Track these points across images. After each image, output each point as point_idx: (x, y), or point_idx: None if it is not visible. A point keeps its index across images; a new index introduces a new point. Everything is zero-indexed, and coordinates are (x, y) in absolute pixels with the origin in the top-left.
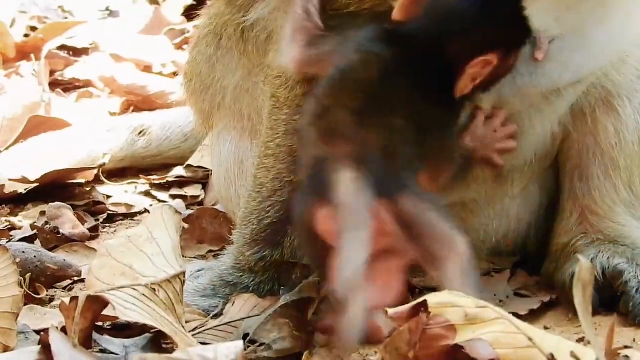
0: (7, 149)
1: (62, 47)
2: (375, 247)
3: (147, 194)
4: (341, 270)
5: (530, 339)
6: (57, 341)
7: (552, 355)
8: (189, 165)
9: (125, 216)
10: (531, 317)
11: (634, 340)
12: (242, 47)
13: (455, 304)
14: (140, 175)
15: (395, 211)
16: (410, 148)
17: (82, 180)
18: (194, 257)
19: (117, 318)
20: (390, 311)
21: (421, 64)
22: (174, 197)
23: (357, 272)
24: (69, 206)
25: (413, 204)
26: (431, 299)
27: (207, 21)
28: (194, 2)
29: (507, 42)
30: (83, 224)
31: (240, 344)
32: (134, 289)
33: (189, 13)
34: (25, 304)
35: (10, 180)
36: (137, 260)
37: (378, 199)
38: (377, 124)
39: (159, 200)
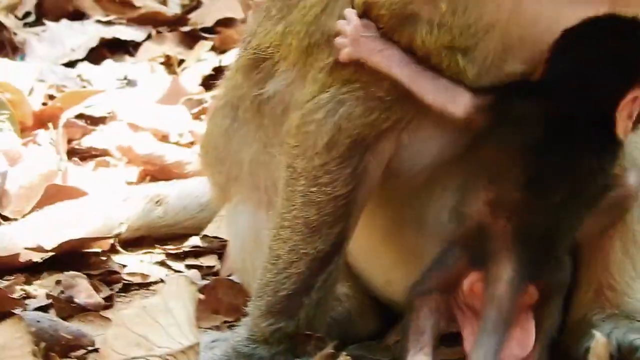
0: (23, 217)
1: (80, 116)
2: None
3: (162, 263)
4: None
5: None
6: None
7: None
8: (205, 236)
9: (141, 286)
10: None
11: None
12: (258, 120)
13: None
14: (156, 245)
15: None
16: (571, 220)
17: (99, 249)
18: (209, 328)
19: None
20: None
21: (574, 119)
22: (189, 267)
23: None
24: (85, 275)
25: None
26: None
27: (224, 93)
28: (212, 72)
29: None
30: (98, 293)
31: None
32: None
33: (207, 83)
34: None
35: (25, 248)
36: (152, 330)
37: (530, 281)
38: (545, 197)
39: (175, 271)
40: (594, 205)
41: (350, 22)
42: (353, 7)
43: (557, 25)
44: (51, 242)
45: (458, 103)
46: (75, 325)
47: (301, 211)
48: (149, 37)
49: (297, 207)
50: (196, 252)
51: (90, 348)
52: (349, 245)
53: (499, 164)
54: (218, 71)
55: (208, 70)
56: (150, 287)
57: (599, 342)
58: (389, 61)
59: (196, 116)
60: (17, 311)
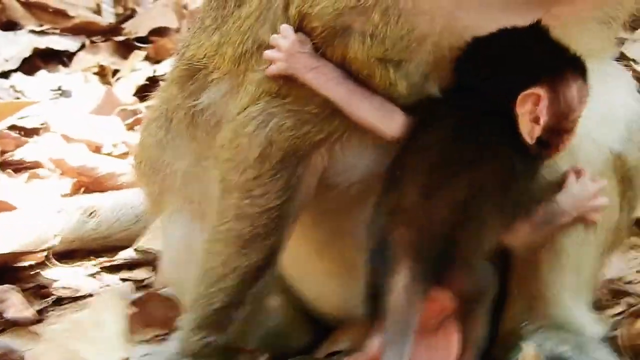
0: None
1: (13, 127)
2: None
3: (95, 276)
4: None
5: None
6: None
7: None
8: (139, 248)
9: (73, 299)
10: None
11: None
12: (192, 131)
13: None
14: (90, 257)
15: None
16: (484, 215)
17: (32, 262)
18: (141, 341)
19: None
20: None
21: (481, 121)
22: (123, 279)
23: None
24: (17, 288)
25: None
26: None
27: (158, 103)
28: (147, 82)
29: (545, 78)
30: (29, 308)
31: None
32: None
33: (141, 94)
34: None
35: None
36: (83, 345)
37: (436, 283)
38: (443, 198)
39: (107, 285)
40: (522, 214)
41: (286, 37)
42: (288, 18)
43: None
44: None
45: (392, 123)
46: (4, 340)
47: (234, 224)
48: (82, 47)
49: (230, 220)
50: (130, 264)
51: None
52: (281, 257)
53: (403, 171)
54: (152, 81)
55: (142, 80)
56: (82, 301)
57: (528, 354)
58: (323, 79)
59: (130, 127)
60: None
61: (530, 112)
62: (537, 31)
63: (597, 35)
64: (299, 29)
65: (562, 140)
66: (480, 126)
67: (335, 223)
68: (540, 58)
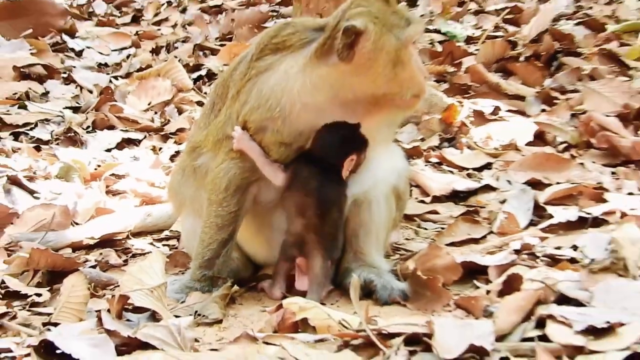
0: (85, 222)
1: (113, 174)
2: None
3: (151, 244)
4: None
5: (328, 315)
6: (105, 316)
7: (339, 322)
8: (171, 230)
9: (141, 254)
10: (331, 303)
11: (379, 312)
12: (194, 176)
13: (296, 302)
14: (148, 235)
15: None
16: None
17: (122, 238)
18: (173, 274)
19: (132, 304)
20: (268, 309)
21: (323, 167)
22: (164, 245)
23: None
24: (114, 250)
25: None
26: (286, 302)
27: (178, 163)
28: (174, 153)
29: (358, 149)
30: (120, 259)
31: (191, 317)
32: (142, 291)
33: (172, 159)
34: (91, 297)
35: (86, 237)
36: (144, 276)
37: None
38: (328, 216)
39: (157, 247)
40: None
41: (237, 131)
42: (238, 122)
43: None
44: (97, 234)
45: (278, 178)
46: (108, 274)
47: (214, 219)
48: (145, 137)
49: (211, 217)
50: (167, 238)
51: (115, 285)
52: (238, 234)
53: (301, 203)
54: (177, 153)
55: (172, 152)
56: (145, 256)
57: (355, 279)
58: (252, 152)
59: (167, 174)
60: (80, 268)
61: (348, 166)
62: (356, 126)
63: (386, 131)
64: (243, 127)
65: (353, 174)
66: (326, 173)
67: (261, 219)
68: (357, 141)
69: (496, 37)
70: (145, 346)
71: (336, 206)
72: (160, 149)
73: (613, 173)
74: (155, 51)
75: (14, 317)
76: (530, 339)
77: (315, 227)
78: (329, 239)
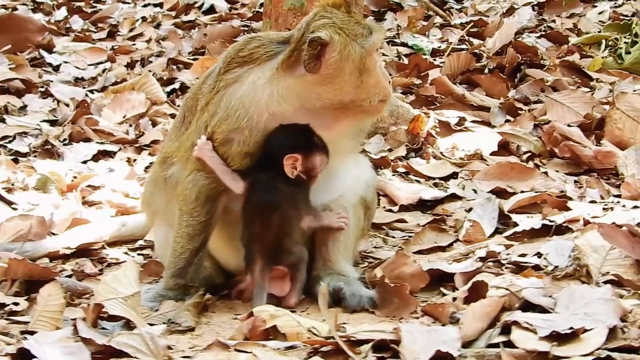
0: (61, 233)
1: (88, 186)
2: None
3: (126, 253)
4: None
5: (298, 322)
6: (81, 324)
7: (309, 329)
8: (146, 240)
9: (116, 264)
10: (302, 310)
11: (348, 319)
12: (165, 186)
13: (266, 310)
14: (122, 244)
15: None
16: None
17: (97, 247)
18: (147, 283)
19: (107, 313)
20: (240, 316)
21: (275, 173)
22: (139, 254)
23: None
24: (89, 260)
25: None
26: (257, 310)
27: (151, 174)
28: (148, 164)
29: (302, 148)
30: (94, 268)
31: (164, 325)
32: (117, 299)
33: (145, 170)
34: (67, 306)
35: (62, 247)
36: (119, 285)
37: (272, 266)
38: (271, 219)
39: (132, 257)
40: (303, 215)
41: (202, 141)
42: (206, 134)
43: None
44: (74, 244)
45: (238, 186)
46: (84, 284)
47: (185, 228)
48: (120, 149)
49: (182, 227)
50: (141, 247)
51: (90, 294)
52: (210, 242)
53: (250, 210)
54: (150, 164)
55: (146, 164)
56: (120, 265)
57: (323, 287)
58: (211, 161)
59: (142, 185)
60: (56, 277)
61: (290, 164)
62: (306, 128)
63: (353, 140)
64: (210, 138)
65: (312, 179)
66: (274, 180)
67: (233, 228)
68: (301, 140)
69: (461, 50)
70: (120, 354)
71: (279, 211)
72: (135, 160)
73: (576, 182)
74: (130, 65)
75: None
76: (496, 345)
77: (256, 234)
78: (269, 246)
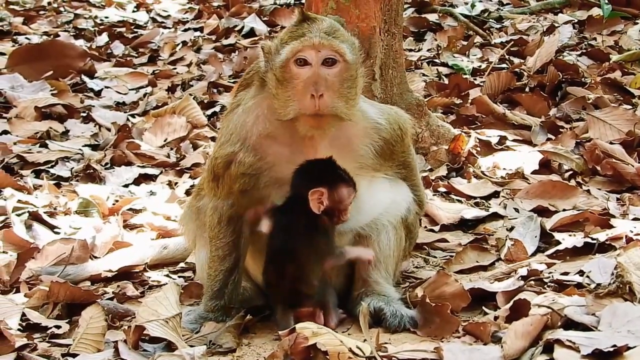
0: (103, 256)
1: (130, 209)
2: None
3: (167, 276)
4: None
5: (341, 341)
6: (122, 346)
7: (350, 349)
8: (187, 262)
9: (157, 286)
10: (343, 330)
11: (389, 339)
12: (198, 216)
13: (309, 327)
14: (164, 267)
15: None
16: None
17: (139, 270)
18: (188, 305)
19: (148, 335)
20: (282, 332)
21: (301, 209)
22: (180, 277)
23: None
24: (131, 282)
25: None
26: (299, 326)
27: (188, 202)
28: (189, 188)
29: (324, 183)
30: (137, 290)
31: (205, 347)
32: (157, 321)
33: (187, 194)
34: (108, 328)
35: (104, 270)
36: (160, 307)
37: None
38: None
39: (173, 279)
40: (328, 254)
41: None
42: (211, 160)
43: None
44: (115, 267)
45: (265, 225)
46: (125, 306)
47: (215, 252)
48: (161, 172)
49: (212, 251)
50: (182, 270)
51: (132, 317)
52: (248, 264)
53: (269, 254)
54: (192, 187)
55: (187, 187)
56: (161, 287)
57: (364, 307)
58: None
59: (181, 207)
60: (98, 300)
61: (315, 199)
62: (330, 161)
63: (395, 171)
64: (214, 165)
65: (342, 214)
66: (301, 223)
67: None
68: (325, 173)
69: (501, 69)
70: None
71: (294, 260)
72: (176, 183)
73: (618, 199)
74: (171, 89)
75: (35, 349)
76: None
77: (272, 281)
78: (286, 293)
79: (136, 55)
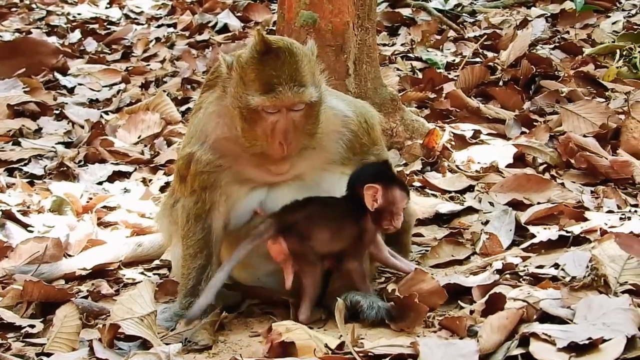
0: (77, 254)
1: (104, 207)
2: None
3: (142, 273)
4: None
5: (310, 336)
6: (97, 345)
7: (326, 344)
8: (162, 260)
9: (132, 284)
10: (318, 326)
11: (365, 334)
12: (171, 213)
13: (283, 324)
14: (139, 265)
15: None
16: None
17: (113, 268)
18: (163, 302)
19: (123, 333)
20: (261, 330)
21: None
22: (154, 274)
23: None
24: (106, 280)
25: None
26: (275, 324)
27: (163, 199)
28: (163, 185)
29: (380, 181)
30: (112, 289)
31: (180, 345)
32: (132, 319)
33: (162, 191)
34: (83, 327)
35: (78, 269)
36: (135, 305)
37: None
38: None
39: (147, 277)
40: (368, 244)
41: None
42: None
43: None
44: (90, 265)
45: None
46: (100, 304)
47: (186, 250)
48: (135, 169)
49: (184, 249)
50: (157, 267)
51: (106, 315)
52: (216, 261)
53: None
54: (167, 184)
55: (161, 184)
56: (136, 285)
57: (340, 302)
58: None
59: (157, 205)
60: (72, 299)
61: (370, 195)
62: (386, 162)
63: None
64: (180, 163)
65: (391, 220)
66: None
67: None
68: (382, 174)
69: (475, 63)
70: None
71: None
72: (150, 180)
73: (592, 192)
74: (145, 86)
75: (9, 349)
76: (514, 357)
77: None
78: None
79: (109, 52)
